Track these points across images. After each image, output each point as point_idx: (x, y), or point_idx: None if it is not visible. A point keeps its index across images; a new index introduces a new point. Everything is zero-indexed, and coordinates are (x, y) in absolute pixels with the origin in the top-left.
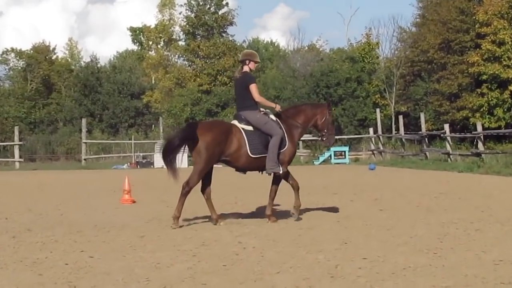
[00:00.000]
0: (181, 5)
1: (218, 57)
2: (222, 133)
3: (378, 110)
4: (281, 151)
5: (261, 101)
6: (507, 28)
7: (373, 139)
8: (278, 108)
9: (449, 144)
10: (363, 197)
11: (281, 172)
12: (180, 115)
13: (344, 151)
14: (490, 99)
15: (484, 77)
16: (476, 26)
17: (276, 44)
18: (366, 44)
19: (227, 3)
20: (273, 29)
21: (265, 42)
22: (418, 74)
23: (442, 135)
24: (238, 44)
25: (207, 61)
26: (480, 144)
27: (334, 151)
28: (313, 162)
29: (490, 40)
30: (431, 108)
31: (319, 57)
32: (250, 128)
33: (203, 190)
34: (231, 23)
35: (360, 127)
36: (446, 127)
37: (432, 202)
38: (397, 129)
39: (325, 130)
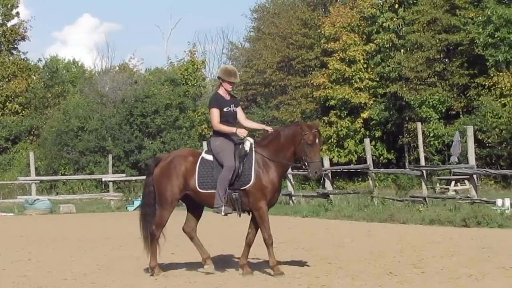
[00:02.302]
0: None
1: (7, 79)
2: (170, 164)
3: (204, 143)
4: (244, 188)
5: (216, 128)
6: (358, 44)
7: None
8: (240, 133)
9: (290, 183)
10: (187, 249)
11: (222, 213)
12: None
13: None
14: (339, 129)
15: (332, 102)
16: (322, 41)
17: (80, 64)
18: (190, 63)
19: (17, 13)
20: (76, 45)
21: (66, 61)
22: (253, 99)
23: None
24: (33, 64)
25: None
26: (327, 183)
27: None
28: (126, 207)
29: (338, 57)
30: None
31: (132, 79)
32: (210, 157)
33: (186, 228)
34: (23, 38)
35: None
36: None
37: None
38: None
39: (304, 158)
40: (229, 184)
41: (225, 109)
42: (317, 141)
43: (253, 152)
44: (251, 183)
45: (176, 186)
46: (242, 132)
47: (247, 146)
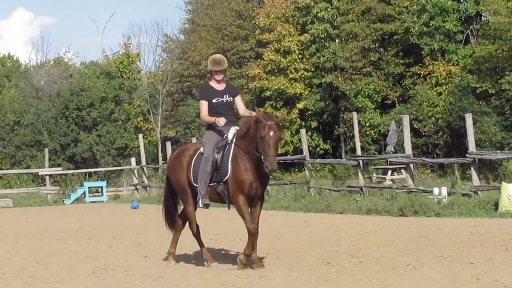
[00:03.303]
0: None
1: None
2: (176, 158)
3: (141, 136)
4: (224, 180)
5: (201, 119)
6: (293, 34)
7: (135, 171)
8: (218, 122)
9: None
10: (125, 242)
11: (200, 205)
12: None
13: (101, 187)
14: None
15: (268, 93)
16: (257, 32)
17: (15, 58)
18: (125, 55)
19: None
20: (10, 39)
21: (1, 56)
22: (188, 91)
23: None
24: None
25: None
26: None
27: (89, 187)
28: (63, 201)
29: (273, 48)
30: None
31: (67, 72)
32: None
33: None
34: None
35: (119, 157)
36: None
37: (208, 245)
38: (165, 158)
39: (259, 150)
40: (212, 176)
41: (214, 100)
42: (271, 133)
43: (233, 143)
44: (228, 175)
45: (183, 180)
46: (219, 121)
47: (229, 136)
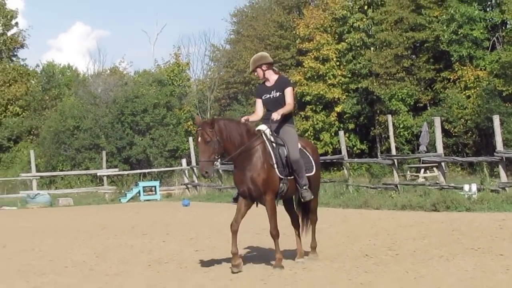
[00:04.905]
0: None
1: (8, 84)
2: None
3: (191, 139)
4: None
5: None
6: (331, 43)
7: (186, 171)
8: (244, 120)
9: None
10: (177, 237)
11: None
12: None
13: (154, 186)
14: (315, 123)
15: (308, 98)
16: (297, 41)
17: (74, 68)
18: (175, 65)
19: (16, 23)
20: (70, 51)
21: (61, 66)
22: (234, 97)
23: None
24: (31, 69)
25: None
26: None
27: (143, 187)
28: (119, 199)
29: (313, 56)
30: None
31: (122, 81)
32: None
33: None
34: (22, 46)
35: (171, 158)
36: None
37: (254, 239)
38: None
39: None
40: None
41: (263, 97)
42: (199, 139)
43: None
44: None
45: None
46: (245, 119)
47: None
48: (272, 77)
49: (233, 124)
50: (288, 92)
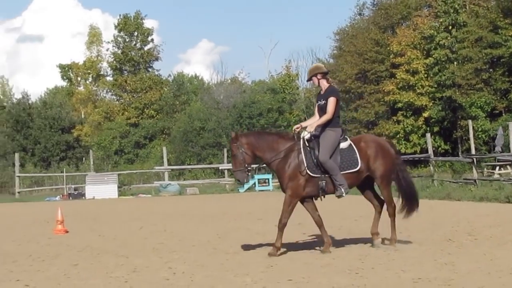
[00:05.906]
0: (108, 42)
1: (144, 91)
2: None
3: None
4: None
5: None
6: (420, 58)
7: None
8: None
9: None
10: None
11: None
12: (109, 147)
13: (268, 179)
14: (405, 126)
15: (399, 105)
16: (391, 56)
17: (200, 78)
18: (286, 75)
19: (152, 40)
20: (196, 63)
21: (189, 76)
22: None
23: None
24: (164, 79)
25: (134, 95)
26: None
27: (258, 179)
28: (238, 189)
29: (404, 69)
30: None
31: (241, 89)
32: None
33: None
34: (157, 59)
35: None
36: None
37: (352, 224)
38: None
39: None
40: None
41: (317, 104)
42: (233, 151)
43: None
44: None
45: None
46: (295, 127)
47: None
48: (324, 85)
49: (261, 135)
50: (330, 102)
